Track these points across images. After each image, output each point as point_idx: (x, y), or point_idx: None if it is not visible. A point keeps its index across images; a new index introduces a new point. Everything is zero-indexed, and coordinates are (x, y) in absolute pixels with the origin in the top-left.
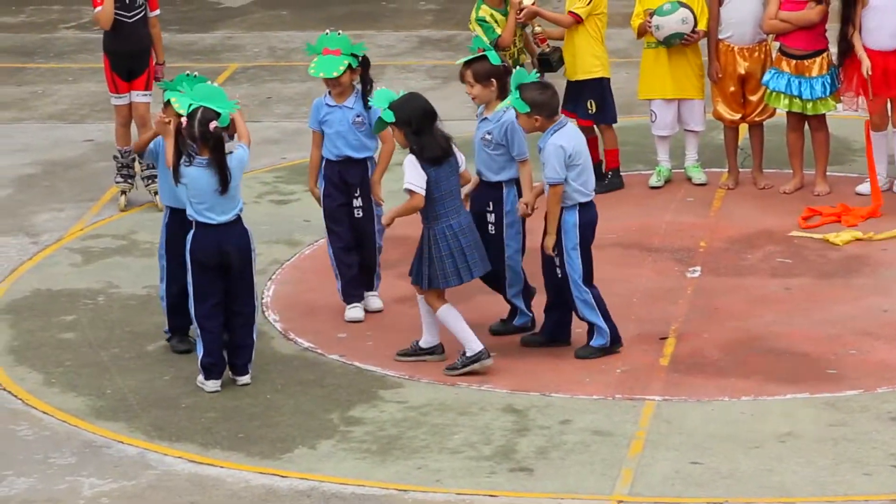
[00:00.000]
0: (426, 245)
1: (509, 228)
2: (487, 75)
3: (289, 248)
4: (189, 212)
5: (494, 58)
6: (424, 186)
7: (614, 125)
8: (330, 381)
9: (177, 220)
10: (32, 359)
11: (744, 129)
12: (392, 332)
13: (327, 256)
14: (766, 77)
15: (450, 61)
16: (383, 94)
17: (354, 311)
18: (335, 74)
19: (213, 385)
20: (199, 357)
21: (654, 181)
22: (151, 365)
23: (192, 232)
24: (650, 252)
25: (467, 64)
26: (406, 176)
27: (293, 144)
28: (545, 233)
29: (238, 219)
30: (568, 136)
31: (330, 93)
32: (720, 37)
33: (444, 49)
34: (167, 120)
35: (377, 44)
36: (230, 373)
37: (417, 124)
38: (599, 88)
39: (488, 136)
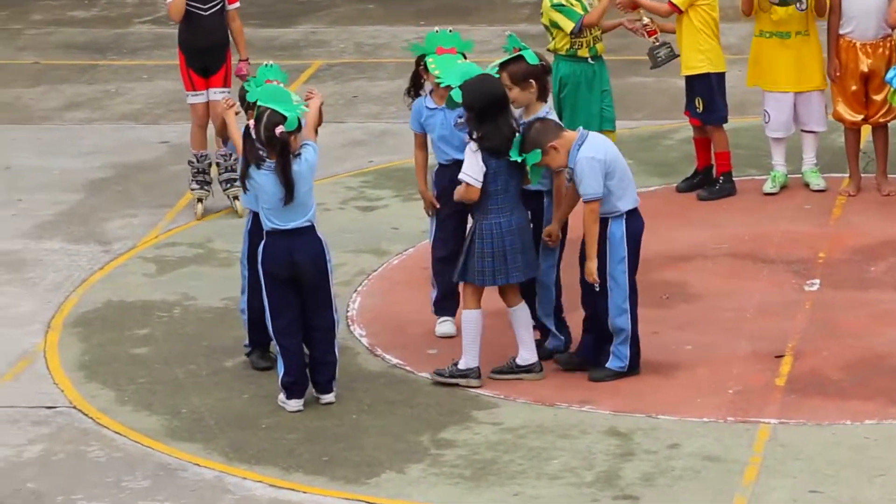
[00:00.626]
0: (470, 237)
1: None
2: (525, 76)
3: (376, 257)
4: (262, 219)
5: (531, 56)
6: (481, 179)
7: (725, 126)
8: (420, 401)
9: (260, 226)
10: (104, 375)
11: (866, 130)
12: (487, 348)
13: (417, 267)
14: (890, 74)
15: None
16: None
17: (446, 326)
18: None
19: (295, 404)
20: (280, 375)
21: (768, 187)
22: (230, 382)
23: (263, 242)
24: (765, 264)
25: (502, 66)
26: (464, 165)
27: (380, 146)
28: (584, 257)
29: (310, 226)
30: (596, 145)
31: (431, 93)
32: (841, 32)
33: (543, 44)
34: (231, 103)
35: (468, 39)
36: (313, 391)
37: (481, 109)
38: (706, 86)
39: None
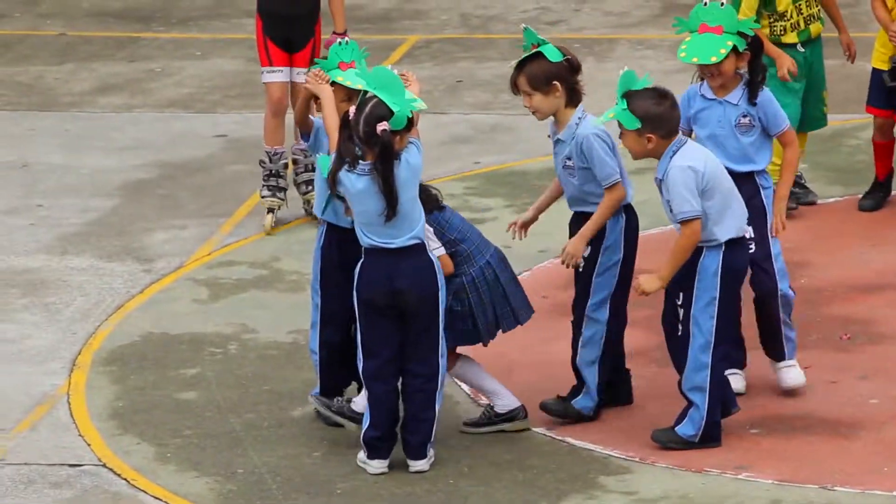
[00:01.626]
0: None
1: (605, 271)
2: (547, 78)
3: None
4: (357, 233)
5: (553, 53)
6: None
7: None
8: (534, 463)
9: (335, 243)
10: (141, 425)
11: None
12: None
13: (533, 295)
14: None
15: None
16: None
17: None
18: (713, 60)
19: (378, 466)
20: (364, 428)
21: None
22: (297, 437)
23: (360, 262)
24: None
25: (518, 67)
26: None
27: (490, 144)
28: (657, 277)
29: (418, 244)
30: (695, 154)
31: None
32: None
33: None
34: (324, 77)
35: (605, 10)
36: (402, 452)
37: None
38: None
39: (570, 163)
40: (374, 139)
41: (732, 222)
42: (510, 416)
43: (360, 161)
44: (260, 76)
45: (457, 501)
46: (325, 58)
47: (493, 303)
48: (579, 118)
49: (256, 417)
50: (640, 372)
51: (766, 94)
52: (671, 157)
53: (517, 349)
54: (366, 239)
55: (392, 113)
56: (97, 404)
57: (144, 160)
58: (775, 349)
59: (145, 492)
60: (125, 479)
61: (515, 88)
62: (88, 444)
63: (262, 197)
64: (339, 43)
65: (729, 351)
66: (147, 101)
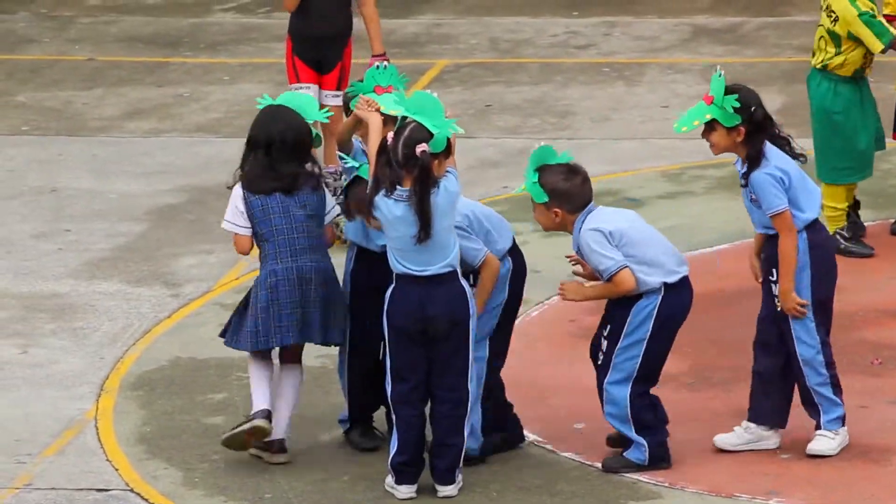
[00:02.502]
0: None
1: (488, 311)
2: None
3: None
4: (390, 259)
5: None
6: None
7: None
8: (562, 488)
9: (365, 266)
10: (169, 450)
11: None
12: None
13: (562, 320)
14: None
15: (734, 58)
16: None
17: None
18: (684, 129)
19: (406, 491)
20: (391, 453)
21: None
22: (325, 461)
23: (390, 288)
24: None
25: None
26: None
27: (519, 169)
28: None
29: (451, 272)
30: (600, 218)
31: None
32: None
33: (727, 42)
34: (375, 105)
35: (635, 34)
36: (431, 477)
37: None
38: None
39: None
40: (412, 160)
41: (662, 270)
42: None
43: (399, 187)
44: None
45: None
46: (362, 80)
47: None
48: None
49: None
50: (670, 396)
51: (756, 178)
52: (580, 228)
53: (546, 374)
54: (399, 266)
55: (431, 135)
56: (125, 429)
57: (173, 185)
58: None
59: None
60: None
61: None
62: (116, 469)
63: None
64: (377, 66)
65: (648, 390)
66: (175, 125)
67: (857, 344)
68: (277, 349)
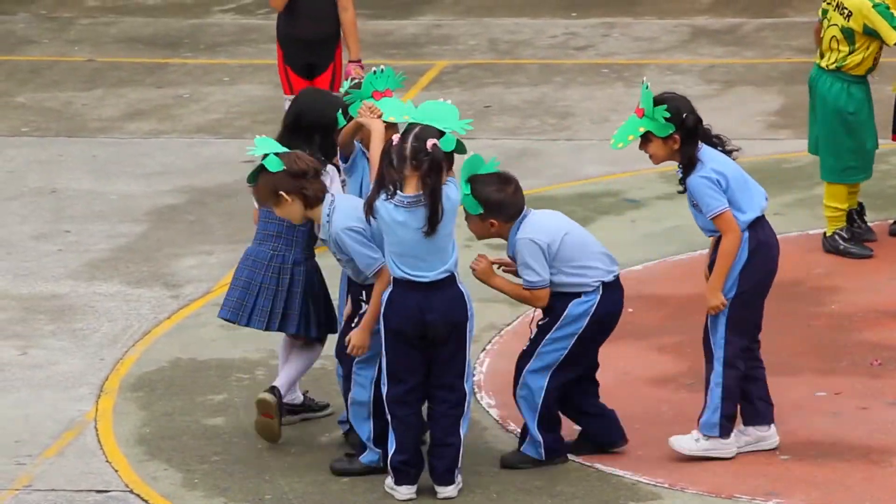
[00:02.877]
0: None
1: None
2: (275, 191)
3: (510, 308)
4: (388, 264)
5: (274, 164)
6: None
7: None
8: (563, 489)
9: None
10: (169, 451)
11: None
12: (649, 424)
13: None
14: None
15: (733, 59)
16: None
17: None
18: (619, 146)
19: (406, 492)
20: (390, 454)
21: None
22: (325, 462)
23: (387, 292)
24: None
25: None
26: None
27: (519, 170)
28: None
29: (449, 276)
30: (536, 226)
31: None
32: None
33: (726, 43)
34: (377, 112)
35: (634, 35)
36: (430, 478)
37: None
38: None
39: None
40: (422, 154)
41: (599, 270)
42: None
43: (400, 192)
44: (284, 103)
45: None
46: (358, 86)
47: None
48: (328, 214)
49: (284, 443)
50: (669, 397)
51: (692, 183)
52: (516, 233)
53: None
54: (398, 271)
55: (442, 133)
56: (124, 430)
57: (173, 186)
58: None
59: None
60: None
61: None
62: (116, 470)
63: None
64: (374, 71)
65: (567, 382)
66: (175, 126)
67: (856, 345)
68: None
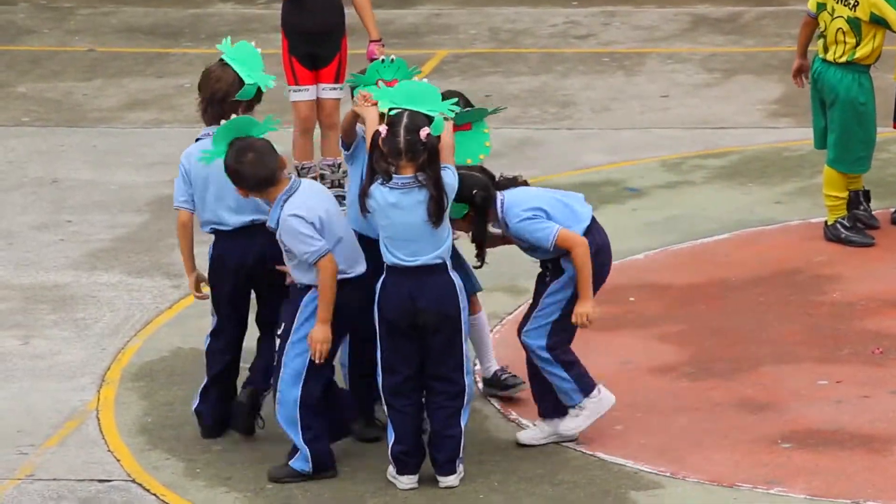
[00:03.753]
0: None
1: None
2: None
3: (511, 297)
4: (382, 250)
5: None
6: None
7: None
8: (564, 478)
9: (366, 255)
10: (171, 441)
11: None
12: (651, 412)
13: None
14: None
15: (734, 48)
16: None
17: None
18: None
19: (407, 481)
20: (389, 444)
21: None
22: None
23: (381, 280)
24: None
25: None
26: None
27: (520, 160)
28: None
29: (441, 264)
30: (300, 202)
31: None
32: None
33: (726, 32)
34: (372, 99)
35: (634, 24)
36: (431, 468)
37: None
38: None
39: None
40: (418, 147)
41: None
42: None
43: (395, 175)
44: (287, 94)
45: None
46: (363, 72)
47: None
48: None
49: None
50: (669, 387)
51: (515, 229)
52: (282, 207)
53: None
54: (389, 256)
55: (430, 119)
56: (126, 420)
57: (173, 175)
58: None
59: None
60: (154, 495)
61: None
62: (118, 460)
63: None
64: (382, 60)
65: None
66: (176, 116)
67: (858, 333)
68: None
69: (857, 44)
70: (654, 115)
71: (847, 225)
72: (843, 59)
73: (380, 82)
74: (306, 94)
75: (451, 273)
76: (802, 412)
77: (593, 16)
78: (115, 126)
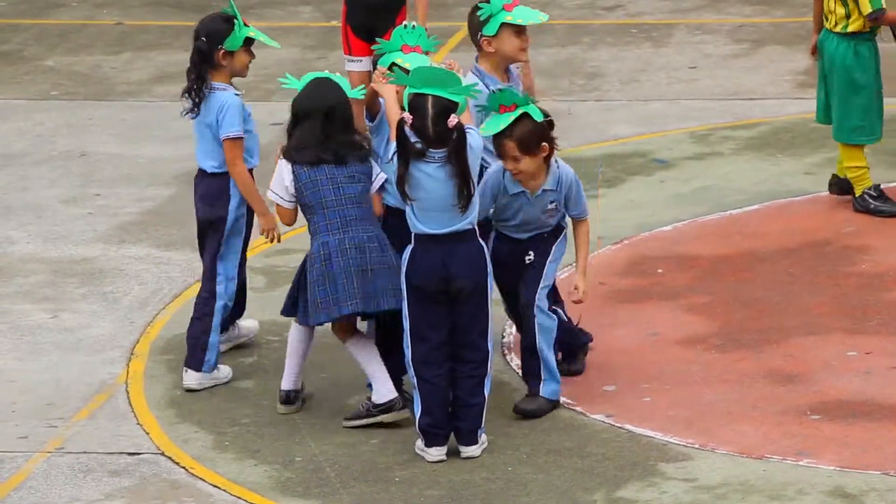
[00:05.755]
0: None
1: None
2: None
3: None
4: (409, 220)
5: (537, 112)
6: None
7: None
8: (592, 450)
9: (387, 222)
10: (199, 414)
11: None
12: (679, 385)
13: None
14: None
15: (761, 18)
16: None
17: None
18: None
19: (436, 453)
20: (417, 416)
21: None
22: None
23: (409, 249)
24: None
25: (506, 133)
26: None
27: None
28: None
29: (472, 230)
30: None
31: None
32: None
33: (755, 2)
34: (390, 77)
35: None
36: (454, 439)
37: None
38: None
39: (552, 206)
40: (447, 134)
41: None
42: (387, 408)
43: (428, 151)
44: (317, 63)
45: (516, 489)
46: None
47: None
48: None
49: (314, 405)
50: (698, 358)
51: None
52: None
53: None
54: (420, 226)
55: (456, 104)
56: (155, 393)
57: None
58: None
59: (204, 480)
60: (184, 468)
61: (501, 154)
62: (147, 433)
63: None
64: (405, 26)
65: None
66: None
67: (887, 304)
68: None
69: (847, 15)
70: (681, 86)
71: (874, 195)
72: (839, 29)
73: (405, 47)
74: (359, 65)
75: (479, 239)
76: (831, 383)
77: None
78: (143, 99)
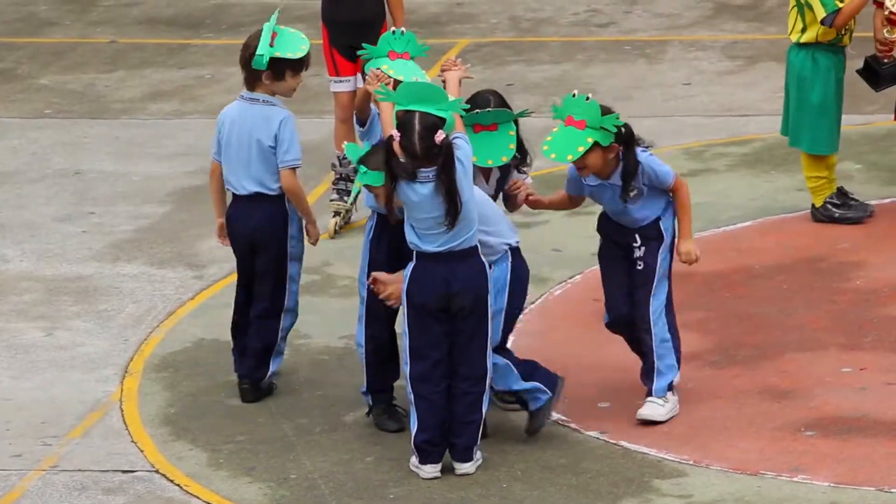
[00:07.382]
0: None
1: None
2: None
3: (534, 286)
4: (409, 238)
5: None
6: None
7: None
8: (587, 467)
9: (384, 235)
10: (194, 431)
11: None
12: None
13: (585, 298)
14: None
15: (756, 35)
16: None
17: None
18: (570, 159)
19: (431, 470)
20: (413, 432)
21: None
22: (350, 442)
23: (410, 266)
24: None
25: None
26: None
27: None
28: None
29: (473, 248)
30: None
31: None
32: None
33: (749, 19)
34: (385, 80)
35: (656, 12)
36: (449, 456)
37: None
38: None
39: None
40: (434, 150)
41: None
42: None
43: (420, 171)
44: (322, 84)
45: None
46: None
47: None
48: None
49: (309, 423)
50: (693, 374)
51: (647, 161)
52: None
53: (571, 354)
54: (422, 245)
55: (444, 120)
56: (149, 410)
57: (195, 166)
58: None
59: (198, 497)
60: (178, 485)
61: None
62: (141, 451)
63: (330, 200)
64: (393, 31)
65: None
66: (197, 107)
67: (883, 320)
68: None
69: (804, 28)
70: (676, 102)
71: (837, 203)
72: (794, 38)
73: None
74: (346, 85)
75: (480, 256)
76: (827, 399)
77: (615, 4)
78: (138, 117)
